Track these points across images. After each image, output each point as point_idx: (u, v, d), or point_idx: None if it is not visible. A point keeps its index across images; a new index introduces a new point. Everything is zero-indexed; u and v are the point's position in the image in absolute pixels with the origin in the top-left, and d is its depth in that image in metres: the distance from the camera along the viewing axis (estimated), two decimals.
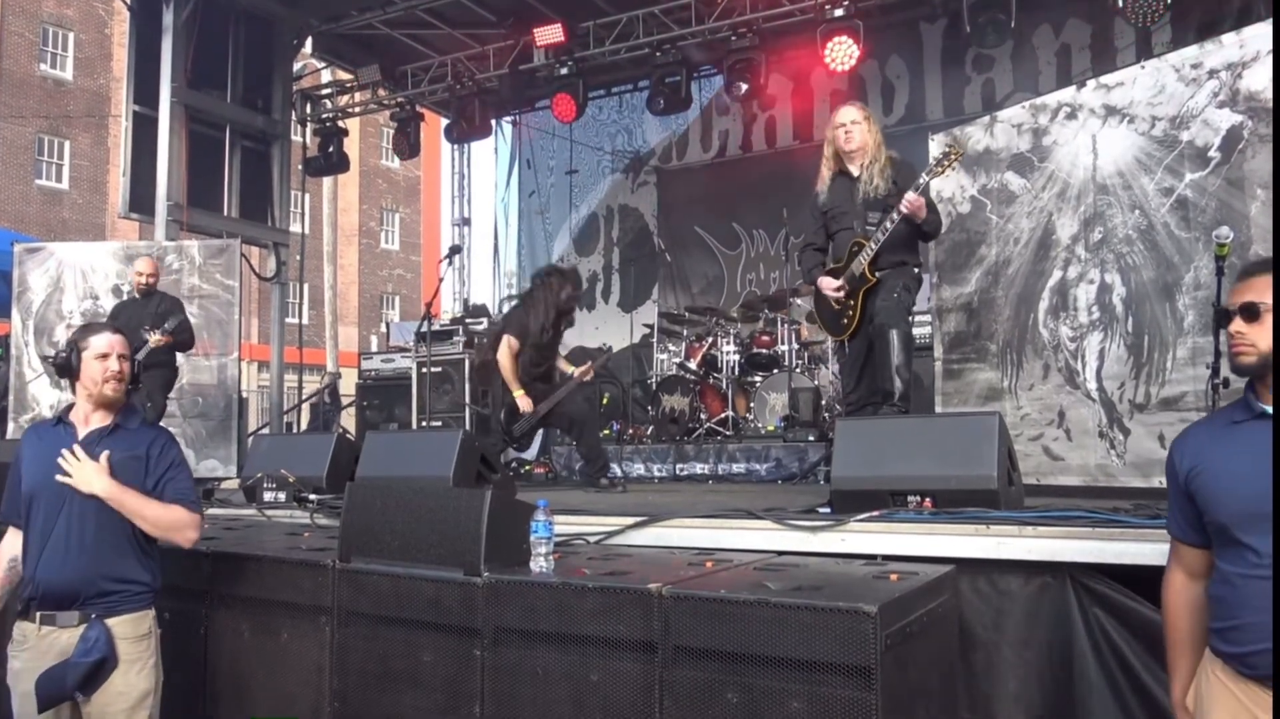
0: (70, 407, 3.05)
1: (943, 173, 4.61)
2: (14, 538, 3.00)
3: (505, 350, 6.18)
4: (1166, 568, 2.27)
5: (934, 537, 3.16)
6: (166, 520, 2.94)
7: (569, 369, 6.47)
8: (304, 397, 12.45)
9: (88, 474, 2.85)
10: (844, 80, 10.14)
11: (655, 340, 9.56)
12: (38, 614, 2.86)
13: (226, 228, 9.41)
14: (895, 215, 4.56)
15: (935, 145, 5.54)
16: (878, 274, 4.71)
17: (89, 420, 2.99)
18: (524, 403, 6.13)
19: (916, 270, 4.86)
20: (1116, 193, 4.70)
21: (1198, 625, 2.16)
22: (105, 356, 2.95)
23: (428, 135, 12.15)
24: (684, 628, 2.40)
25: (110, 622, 2.85)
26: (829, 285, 4.89)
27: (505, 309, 7.04)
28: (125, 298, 7.41)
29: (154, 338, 6.27)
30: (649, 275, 11.81)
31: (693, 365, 8.53)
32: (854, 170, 4.85)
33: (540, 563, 2.85)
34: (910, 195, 4.50)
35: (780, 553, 3.27)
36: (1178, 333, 4.41)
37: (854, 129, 4.80)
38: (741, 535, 3.49)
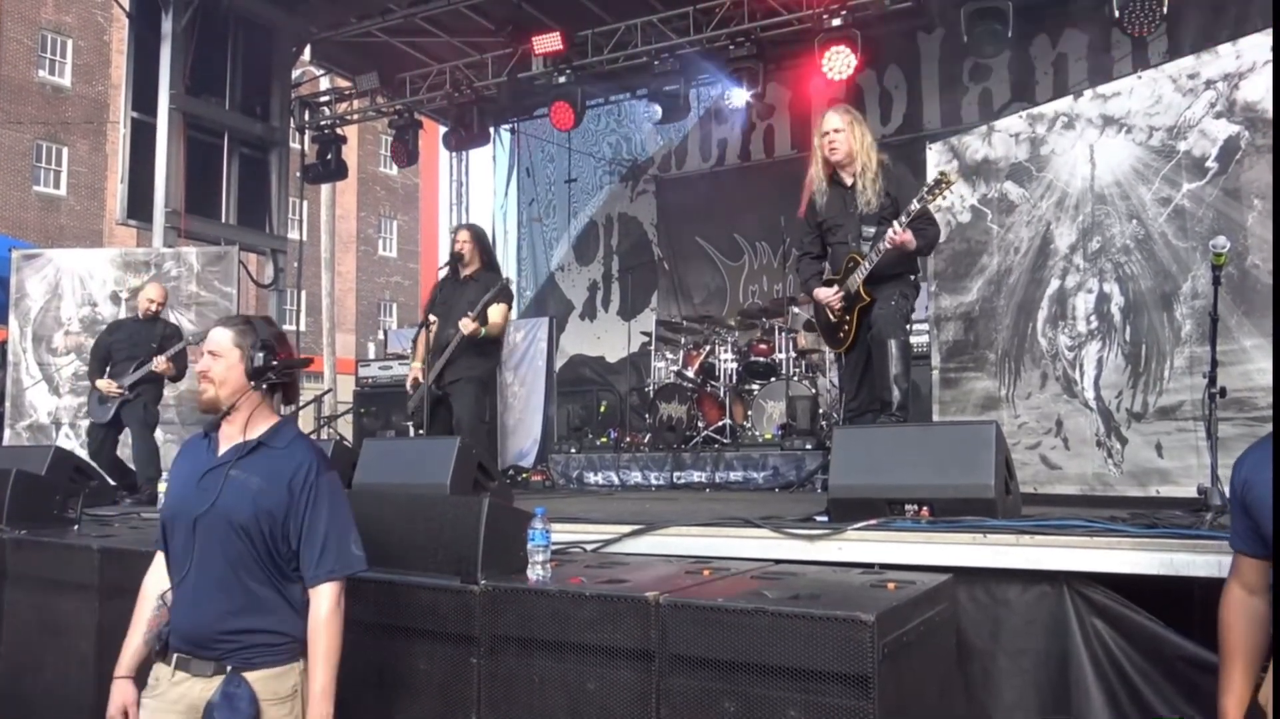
0: (224, 415, 2.58)
1: (933, 200, 4.44)
2: (163, 567, 2.64)
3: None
4: (1226, 581, 2.26)
5: (931, 545, 3.15)
6: (337, 644, 2.53)
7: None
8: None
9: None
10: (842, 90, 10.18)
11: (653, 348, 9.55)
12: (174, 657, 2.46)
13: (224, 235, 9.43)
14: (884, 245, 4.45)
15: (933, 154, 5.55)
16: (872, 293, 4.62)
17: (242, 433, 2.56)
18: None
19: (914, 278, 4.78)
20: (1114, 202, 4.71)
21: (1252, 638, 2.15)
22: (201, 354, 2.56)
23: (426, 143, 12.16)
24: (681, 636, 2.39)
25: (249, 676, 2.42)
26: (826, 294, 4.80)
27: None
28: (127, 316, 7.36)
29: (160, 362, 6.35)
30: (648, 284, 11.78)
31: (690, 373, 8.52)
32: (846, 179, 4.72)
33: (537, 571, 2.84)
34: (895, 229, 4.38)
35: (778, 561, 3.26)
36: (1175, 342, 4.41)
37: (838, 139, 4.65)
38: (739, 544, 3.49)
